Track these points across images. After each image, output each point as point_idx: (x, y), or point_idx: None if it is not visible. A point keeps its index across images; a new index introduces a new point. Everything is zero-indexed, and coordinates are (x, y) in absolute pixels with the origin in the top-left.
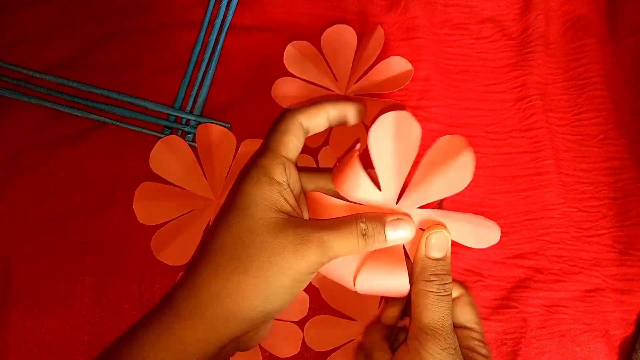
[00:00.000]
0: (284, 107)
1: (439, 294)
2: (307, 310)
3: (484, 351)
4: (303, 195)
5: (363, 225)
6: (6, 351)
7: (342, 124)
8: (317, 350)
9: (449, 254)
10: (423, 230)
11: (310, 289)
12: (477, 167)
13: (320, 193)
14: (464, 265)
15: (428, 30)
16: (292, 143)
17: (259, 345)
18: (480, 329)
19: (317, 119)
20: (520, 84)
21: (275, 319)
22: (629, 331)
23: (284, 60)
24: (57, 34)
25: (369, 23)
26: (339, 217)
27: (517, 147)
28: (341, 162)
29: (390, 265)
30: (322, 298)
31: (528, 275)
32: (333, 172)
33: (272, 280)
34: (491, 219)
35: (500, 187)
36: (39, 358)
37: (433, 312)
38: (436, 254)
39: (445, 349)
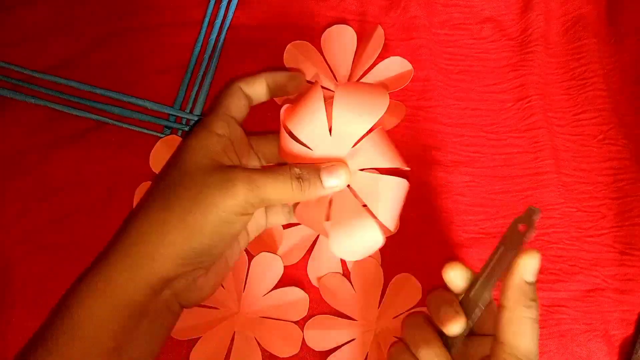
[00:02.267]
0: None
1: (536, 320)
2: (307, 310)
3: None
4: (251, 154)
5: (297, 170)
6: (6, 351)
7: (283, 94)
8: (316, 350)
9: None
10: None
11: (310, 289)
12: (477, 167)
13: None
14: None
15: (428, 31)
16: (233, 104)
17: (259, 344)
18: (534, 357)
19: (256, 85)
20: (520, 84)
21: (276, 319)
22: (629, 331)
23: (284, 61)
24: (57, 34)
25: (369, 23)
26: (275, 165)
27: (517, 147)
28: (300, 95)
29: (358, 222)
30: (322, 298)
31: None
32: (286, 107)
33: (195, 216)
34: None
35: (500, 187)
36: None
37: (531, 340)
38: (533, 278)
39: None
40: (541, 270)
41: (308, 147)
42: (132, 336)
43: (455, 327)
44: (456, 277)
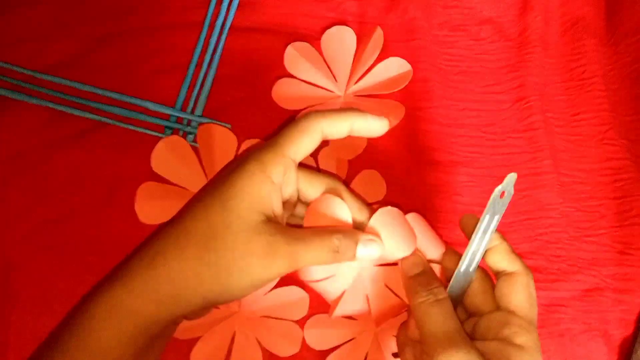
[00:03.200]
0: (285, 107)
1: (428, 300)
2: (307, 309)
3: (520, 340)
4: (295, 196)
5: (337, 242)
6: (6, 351)
7: (365, 135)
8: (317, 349)
9: (427, 266)
10: None
11: (310, 289)
12: (477, 167)
13: (323, 200)
14: None
15: (427, 32)
16: (304, 146)
17: (259, 344)
18: (528, 312)
19: (340, 127)
20: (518, 85)
21: (275, 318)
22: (629, 331)
23: (284, 62)
24: (58, 34)
25: (369, 25)
26: (315, 228)
27: (516, 148)
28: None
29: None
30: (322, 297)
31: None
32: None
33: (232, 279)
34: None
35: None
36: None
37: (430, 320)
38: (414, 271)
39: (455, 356)
40: (540, 270)
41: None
42: (144, 353)
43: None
44: (449, 260)
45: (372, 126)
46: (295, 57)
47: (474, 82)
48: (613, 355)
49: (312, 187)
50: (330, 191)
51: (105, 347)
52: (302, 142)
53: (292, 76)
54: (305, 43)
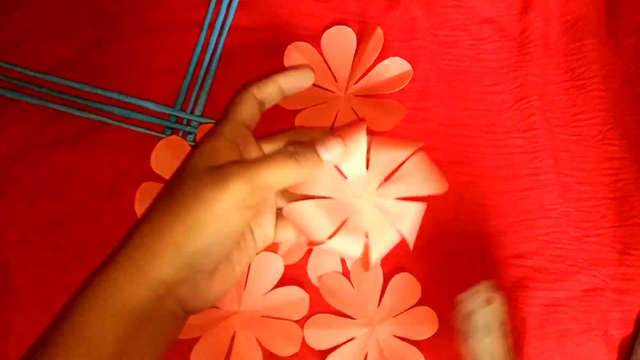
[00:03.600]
0: (284, 107)
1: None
2: (307, 309)
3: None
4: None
5: (291, 148)
6: (7, 352)
7: (297, 90)
8: (316, 349)
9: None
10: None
11: (310, 288)
12: (477, 167)
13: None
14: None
15: (427, 32)
16: (245, 111)
17: (260, 344)
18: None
19: (269, 89)
20: (519, 85)
21: (276, 318)
22: (629, 331)
23: (284, 61)
24: (58, 34)
25: (369, 24)
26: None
27: (516, 148)
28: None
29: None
30: (322, 297)
31: (527, 274)
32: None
33: (191, 215)
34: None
35: (499, 187)
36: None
37: None
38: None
39: None
40: (540, 270)
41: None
42: (135, 341)
43: None
44: None
45: (299, 79)
46: (296, 57)
47: (474, 81)
48: (613, 356)
49: (271, 147)
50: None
51: (90, 329)
52: (242, 109)
53: None
54: (305, 43)
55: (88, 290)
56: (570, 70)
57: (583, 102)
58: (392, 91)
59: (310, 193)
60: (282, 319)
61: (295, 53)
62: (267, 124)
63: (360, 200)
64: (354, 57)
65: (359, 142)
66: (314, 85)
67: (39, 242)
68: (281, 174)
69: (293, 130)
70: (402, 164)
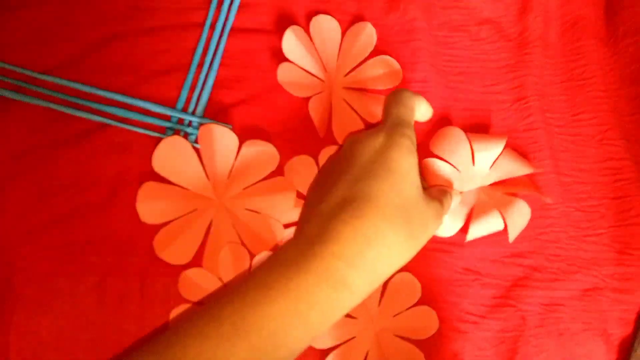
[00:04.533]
0: (293, 94)
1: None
2: None
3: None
4: None
5: (455, 197)
6: (8, 351)
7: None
8: (317, 348)
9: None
10: None
11: None
12: None
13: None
14: (463, 264)
15: (427, 32)
16: (413, 122)
17: None
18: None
19: (421, 108)
20: (518, 85)
21: None
22: (628, 330)
23: (282, 47)
24: (59, 35)
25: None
26: (439, 188)
27: (515, 148)
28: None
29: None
30: None
31: (526, 274)
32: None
33: (420, 243)
34: None
35: None
36: (40, 358)
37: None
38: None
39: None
40: (540, 270)
41: (456, 169)
42: None
43: None
44: None
45: (427, 112)
46: (292, 40)
47: (473, 82)
48: (612, 355)
49: None
50: None
51: None
52: (413, 119)
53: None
54: (300, 28)
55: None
56: (570, 71)
57: (582, 102)
58: (383, 89)
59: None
60: None
61: (292, 36)
62: (267, 124)
63: (473, 188)
64: (343, 50)
65: (465, 142)
66: (308, 72)
67: (40, 242)
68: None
69: None
70: (499, 155)
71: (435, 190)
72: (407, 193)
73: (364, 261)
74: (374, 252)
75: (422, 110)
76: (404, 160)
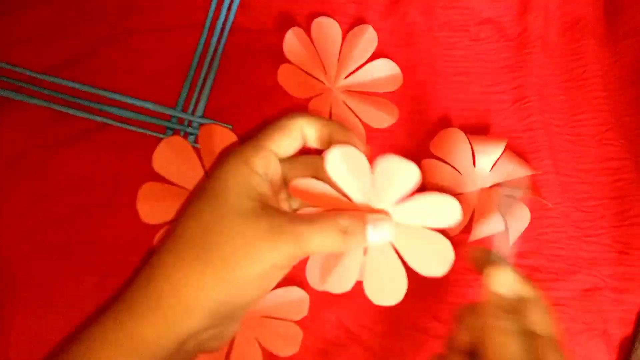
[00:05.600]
0: (291, 94)
1: (515, 332)
2: (308, 309)
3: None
4: (284, 188)
5: (343, 222)
6: (8, 351)
7: (345, 145)
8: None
9: (520, 290)
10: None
11: (310, 289)
12: None
13: (304, 180)
14: (463, 263)
15: (427, 34)
16: (284, 142)
17: (259, 344)
18: (549, 331)
19: (320, 133)
20: (518, 85)
21: (275, 318)
22: (628, 330)
23: (283, 48)
24: (59, 34)
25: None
26: (318, 213)
27: (515, 148)
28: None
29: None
30: (322, 298)
31: (526, 274)
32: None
33: (239, 271)
34: None
35: None
36: (40, 358)
37: (512, 353)
38: (503, 290)
39: None
40: (540, 270)
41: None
42: None
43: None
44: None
45: (350, 137)
46: (292, 42)
47: (473, 82)
48: (612, 355)
49: (294, 170)
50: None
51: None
52: (282, 139)
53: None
54: (301, 30)
55: (100, 337)
56: (570, 71)
57: (582, 102)
58: (382, 91)
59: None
60: (282, 319)
61: (293, 38)
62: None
63: (474, 190)
64: (343, 52)
65: (466, 144)
66: (308, 74)
67: (40, 242)
68: (325, 246)
69: (311, 157)
70: (499, 157)
71: (314, 214)
72: (211, 214)
73: (146, 300)
74: (151, 291)
75: (316, 136)
76: (221, 181)
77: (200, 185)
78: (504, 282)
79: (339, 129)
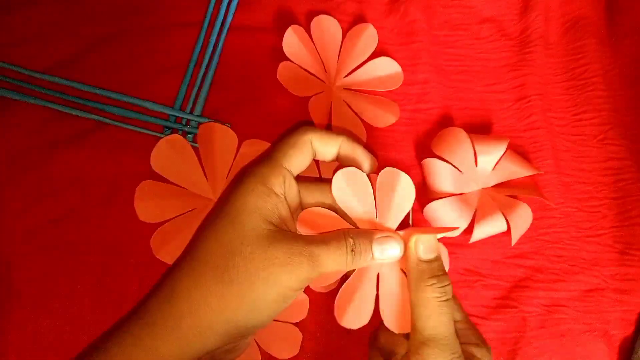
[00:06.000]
0: (292, 92)
1: (440, 299)
2: (307, 311)
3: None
4: (298, 206)
5: (351, 241)
6: (6, 351)
7: (350, 164)
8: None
9: (440, 255)
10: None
11: (310, 290)
12: None
13: (311, 209)
14: (464, 264)
15: (427, 33)
16: (297, 158)
17: (259, 345)
18: (463, 315)
19: (328, 147)
20: (519, 84)
21: (275, 320)
22: (629, 331)
23: (283, 44)
24: (58, 34)
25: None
26: (327, 232)
27: (517, 147)
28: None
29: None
30: (321, 299)
31: (528, 274)
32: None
33: (257, 293)
34: None
35: None
36: (39, 358)
37: (435, 321)
38: (428, 255)
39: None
40: (541, 270)
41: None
42: None
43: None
44: None
45: (359, 157)
46: (292, 40)
47: (474, 81)
48: (613, 356)
49: (312, 196)
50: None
51: None
52: (295, 155)
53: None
54: (301, 28)
55: (119, 353)
56: (571, 70)
57: (584, 102)
58: (383, 90)
59: (438, 188)
60: (281, 321)
61: (293, 36)
62: (266, 122)
63: (475, 189)
64: (343, 51)
65: (467, 143)
66: (309, 72)
67: (39, 241)
68: (337, 265)
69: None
70: (501, 157)
71: (324, 235)
72: (230, 236)
73: (167, 318)
74: (172, 309)
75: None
76: (239, 202)
77: (218, 207)
78: (430, 246)
79: (346, 143)
